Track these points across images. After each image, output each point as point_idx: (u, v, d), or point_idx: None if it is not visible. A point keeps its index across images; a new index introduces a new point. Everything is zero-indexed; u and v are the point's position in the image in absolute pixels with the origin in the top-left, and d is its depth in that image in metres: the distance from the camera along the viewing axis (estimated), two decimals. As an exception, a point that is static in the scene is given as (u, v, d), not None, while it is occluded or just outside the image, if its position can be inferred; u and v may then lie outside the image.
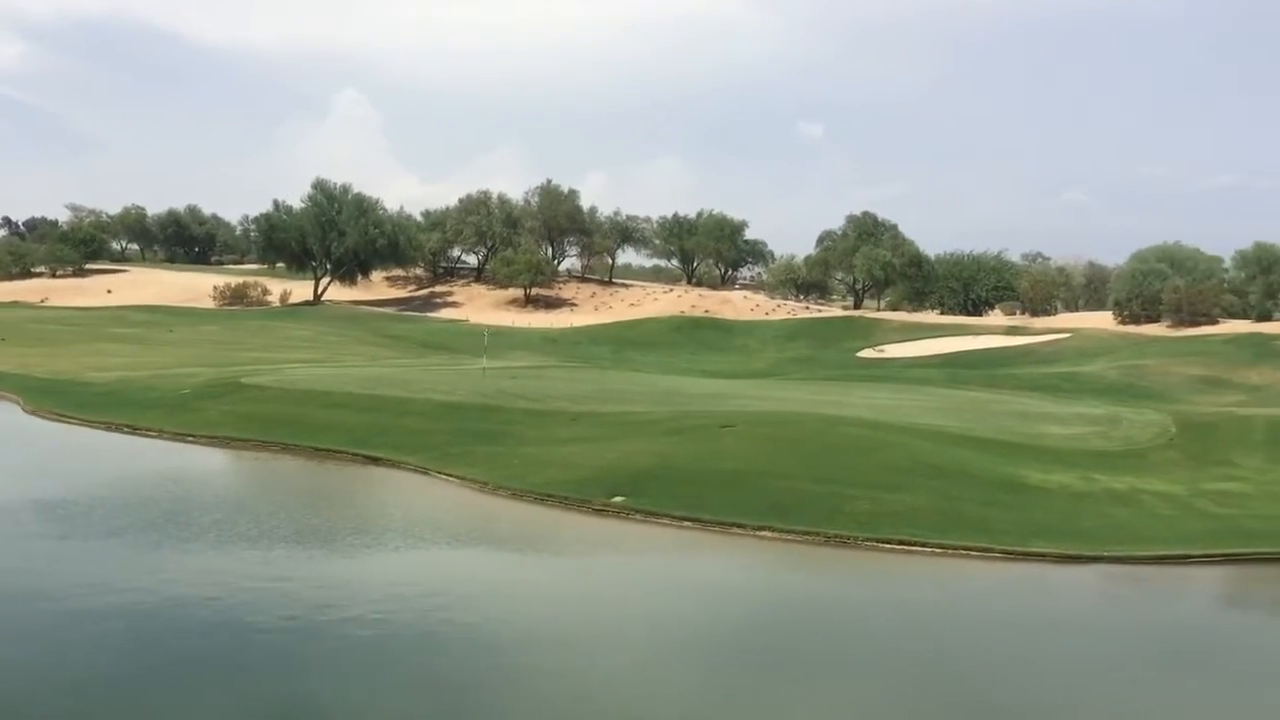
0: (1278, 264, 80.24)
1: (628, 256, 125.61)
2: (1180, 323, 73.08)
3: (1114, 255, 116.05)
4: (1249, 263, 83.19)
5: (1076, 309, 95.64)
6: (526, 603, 20.02)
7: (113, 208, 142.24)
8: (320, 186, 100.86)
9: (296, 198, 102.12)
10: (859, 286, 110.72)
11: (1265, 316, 76.11)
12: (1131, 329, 74.89)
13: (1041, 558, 23.47)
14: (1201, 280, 78.68)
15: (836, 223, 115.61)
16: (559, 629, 18.52)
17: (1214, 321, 73.30)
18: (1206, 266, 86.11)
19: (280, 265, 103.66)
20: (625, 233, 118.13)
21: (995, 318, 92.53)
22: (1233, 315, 76.70)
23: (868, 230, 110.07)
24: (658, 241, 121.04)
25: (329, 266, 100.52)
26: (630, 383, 49.71)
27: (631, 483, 27.43)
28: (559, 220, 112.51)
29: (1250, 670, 18.11)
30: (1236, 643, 20.13)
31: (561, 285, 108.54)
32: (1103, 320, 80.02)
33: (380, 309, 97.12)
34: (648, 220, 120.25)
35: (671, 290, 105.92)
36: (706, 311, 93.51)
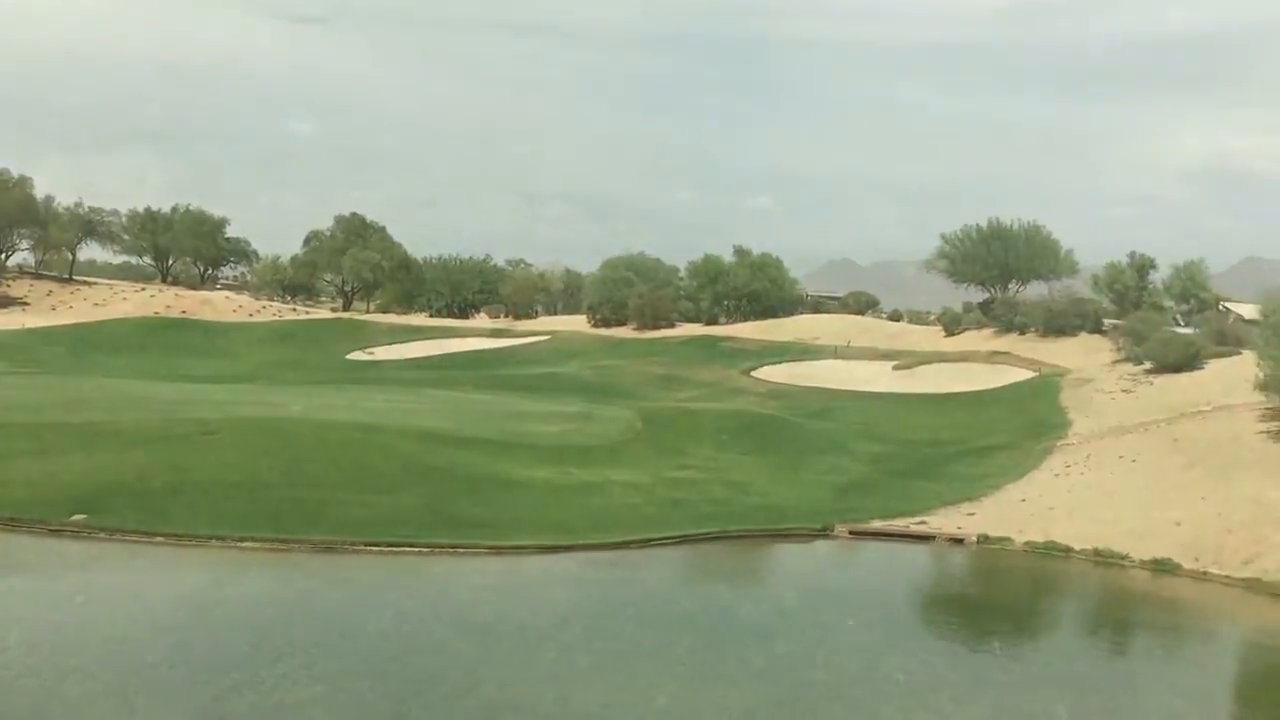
0: (723, 274, 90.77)
1: (92, 252, 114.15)
2: (644, 326, 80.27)
3: (589, 263, 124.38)
4: (699, 273, 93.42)
5: (556, 313, 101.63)
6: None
7: None
8: None
9: None
10: (348, 288, 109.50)
11: (713, 321, 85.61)
12: (604, 331, 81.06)
13: (524, 549, 24.85)
14: (661, 288, 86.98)
15: (327, 223, 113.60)
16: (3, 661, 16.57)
17: (672, 325, 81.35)
18: (665, 275, 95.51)
19: None
20: (89, 226, 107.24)
21: (482, 320, 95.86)
22: (688, 319, 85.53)
23: (357, 231, 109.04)
24: (127, 237, 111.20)
25: None
26: (98, 390, 45.43)
27: (96, 498, 25.15)
28: (7, 210, 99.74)
29: (695, 630, 20.43)
30: (688, 610, 22.50)
31: (10, 283, 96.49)
32: (579, 323, 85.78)
33: None
34: (115, 214, 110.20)
35: (144, 289, 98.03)
36: (184, 312, 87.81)
